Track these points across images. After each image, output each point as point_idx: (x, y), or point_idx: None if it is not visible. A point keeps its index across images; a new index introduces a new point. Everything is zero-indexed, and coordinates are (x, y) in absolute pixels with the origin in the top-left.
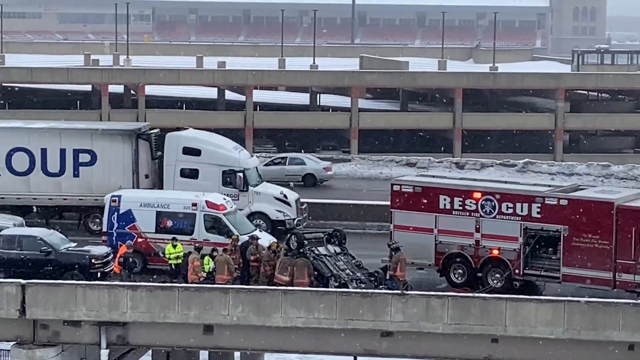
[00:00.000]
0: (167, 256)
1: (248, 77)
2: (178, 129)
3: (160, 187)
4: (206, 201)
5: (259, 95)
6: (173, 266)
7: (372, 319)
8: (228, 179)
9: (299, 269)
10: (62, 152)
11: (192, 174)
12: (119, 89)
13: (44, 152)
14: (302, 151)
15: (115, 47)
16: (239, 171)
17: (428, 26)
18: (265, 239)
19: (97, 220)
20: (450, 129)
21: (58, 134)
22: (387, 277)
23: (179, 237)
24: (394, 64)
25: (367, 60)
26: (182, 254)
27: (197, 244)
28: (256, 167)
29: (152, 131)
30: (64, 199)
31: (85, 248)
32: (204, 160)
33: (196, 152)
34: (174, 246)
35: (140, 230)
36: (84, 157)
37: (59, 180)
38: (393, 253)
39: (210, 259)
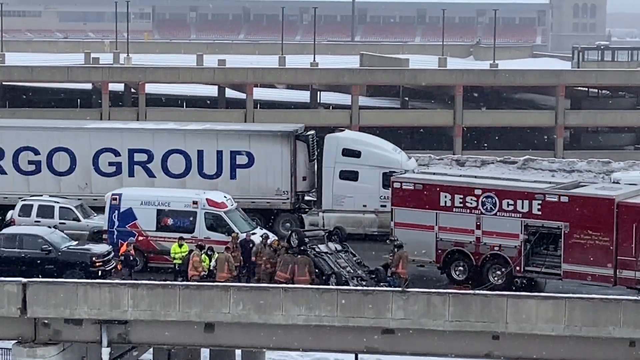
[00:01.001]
0: (172, 256)
1: (248, 75)
2: (334, 130)
3: (319, 190)
4: (207, 199)
5: (259, 93)
6: (177, 266)
7: (373, 316)
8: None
9: (300, 266)
10: (219, 154)
11: (351, 176)
12: (119, 87)
13: (200, 154)
14: None
15: (115, 45)
16: (400, 173)
17: (428, 23)
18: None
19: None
20: (450, 126)
21: (215, 135)
22: (389, 274)
23: (179, 234)
24: (394, 62)
25: (367, 57)
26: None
27: (199, 242)
28: (414, 170)
29: (309, 132)
30: None
31: (86, 246)
32: (364, 162)
33: (356, 154)
34: (180, 246)
35: (141, 228)
36: (241, 159)
37: (216, 182)
38: (396, 250)
39: (207, 257)
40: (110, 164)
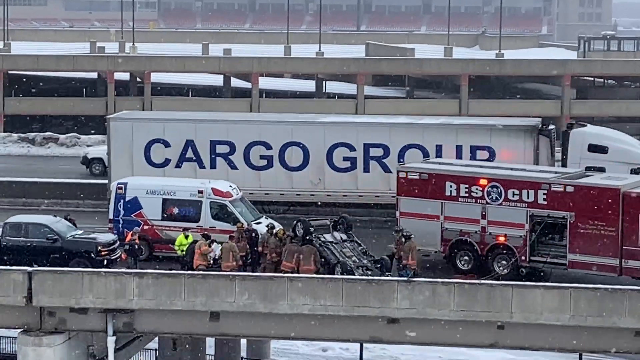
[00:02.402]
0: (177, 247)
1: (254, 65)
2: (572, 124)
3: None
4: (212, 188)
5: (265, 83)
6: (183, 257)
7: (378, 305)
8: None
9: (305, 256)
10: (458, 148)
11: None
12: (125, 76)
13: (438, 148)
14: None
15: (121, 34)
16: None
17: (434, 13)
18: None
19: None
20: (456, 116)
21: (454, 130)
22: (401, 267)
23: (184, 224)
24: (399, 51)
25: (373, 47)
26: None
27: (205, 232)
28: None
29: (550, 127)
30: None
31: (92, 235)
32: (611, 158)
33: (603, 150)
34: (186, 237)
35: (147, 217)
36: (482, 155)
37: None
38: (404, 240)
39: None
40: (345, 159)
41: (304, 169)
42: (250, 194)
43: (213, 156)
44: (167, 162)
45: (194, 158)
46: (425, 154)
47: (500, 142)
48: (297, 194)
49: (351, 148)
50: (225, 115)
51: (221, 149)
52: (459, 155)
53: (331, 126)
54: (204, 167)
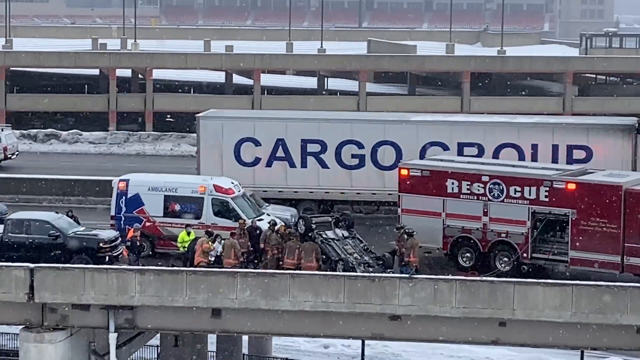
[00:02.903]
0: (179, 243)
1: (256, 61)
2: None
3: None
4: (214, 185)
5: (267, 79)
6: (186, 253)
7: (380, 302)
8: None
9: (307, 252)
10: (555, 148)
11: None
12: (127, 73)
13: (534, 148)
14: None
15: (122, 31)
16: None
17: (436, 10)
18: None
19: None
20: (458, 113)
21: (551, 129)
22: (402, 262)
23: (186, 220)
24: (401, 48)
25: (374, 44)
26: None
27: (208, 229)
28: None
29: None
30: None
31: (94, 232)
32: None
33: None
34: (188, 233)
35: (149, 214)
36: (579, 154)
37: None
38: (406, 237)
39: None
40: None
41: (396, 168)
42: (341, 193)
43: (304, 155)
44: (257, 161)
45: (285, 157)
46: (521, 154)
47: (598, 141)
48: (388, 194)
49: (445, 147)
50: (316, 114)
51: (312, 147)
52: (555, 155)
53: (425, 125)
54: (294, 166)
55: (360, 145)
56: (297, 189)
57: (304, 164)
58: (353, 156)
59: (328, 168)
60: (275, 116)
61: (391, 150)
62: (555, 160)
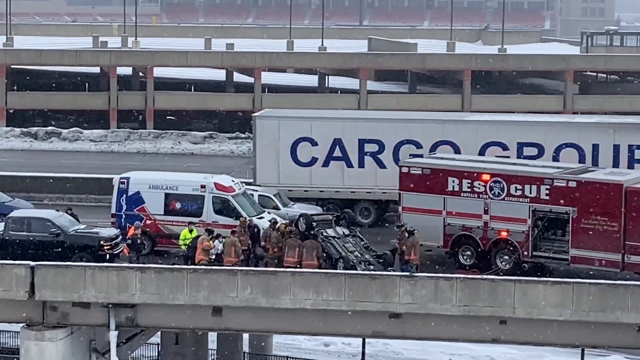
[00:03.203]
0: (181, 241)
1: (256, 59)
2: None
3: None
4: (215, 183)
5: (268, 77)
6: (187, 251)
7: (380, 300)
8: None
9: (308, 250)
10: (616, 148)
11: None
12: (128, 71)
13: (595, 148)
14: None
15: (123, 29)
16: None
17: (437, 8)
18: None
19: None
20: (458, 111)
21: (612, 128)
22: (401, 261)
23: (187, 218)
24: (402, 46)
25: (375, 42)
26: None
27: (209, 227)
28: None
29: None
30: None
31: (94, 230)
32: None
33: None
34: (190, 231)
35: (149, 212)
36: None
37: None
38: (407, 235)
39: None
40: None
41: None
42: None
43: (361, 155)
44: (314, 160)
45: (342, 157)
46: (581, 154)
47: None
48: None
49: (504, 147)
50: (374, 114)
51: (370, 147)
52: (616, 156)
53: (484, 125)
54: (351, 166)
55: (418, 145)
56: (354, 189)
57: (361, 164)
58: (411, 156)
59: (386, 168)
60: (332, 116)
61: (449, 150)
62: (616, 160)
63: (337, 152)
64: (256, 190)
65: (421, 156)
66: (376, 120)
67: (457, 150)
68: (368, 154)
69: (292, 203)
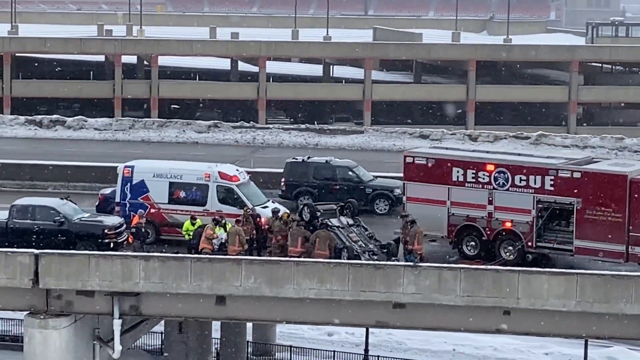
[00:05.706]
0: (184, 231)
1: (261, 48)
2: None
3: None
4: (219, 172)
5: (272, 67)
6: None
7: (384, 290)
8: None
9: (321, 240)
10: None
11: None
12: (132, 59)
13: None
14: (315, 123)
15: (128, 17)
16: None
17: None
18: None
19: None
20: (463, 101)
21: None
22: (405, 250)
23: (191, 207)
24: (407, 36)
25: (380, 31)
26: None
27: (215, 217)
28: None
29: None
30: None
31: (98, 218)
32: None
33: None
34: (193, 224)
35: (153, 200)
36: None
37: None
38: (409, 226)
39: (221, 228)
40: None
41: None
42: None
43: None
44: None
45: None
46: None
47: None
48: None
49: None
50: None
51: None
52: None
53: None
54: None
55: None
56: None
57: None
58: None
59: None
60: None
61: None
62: None
63: None
64: None
65: None
66: None
67: None
68: None
69: None
